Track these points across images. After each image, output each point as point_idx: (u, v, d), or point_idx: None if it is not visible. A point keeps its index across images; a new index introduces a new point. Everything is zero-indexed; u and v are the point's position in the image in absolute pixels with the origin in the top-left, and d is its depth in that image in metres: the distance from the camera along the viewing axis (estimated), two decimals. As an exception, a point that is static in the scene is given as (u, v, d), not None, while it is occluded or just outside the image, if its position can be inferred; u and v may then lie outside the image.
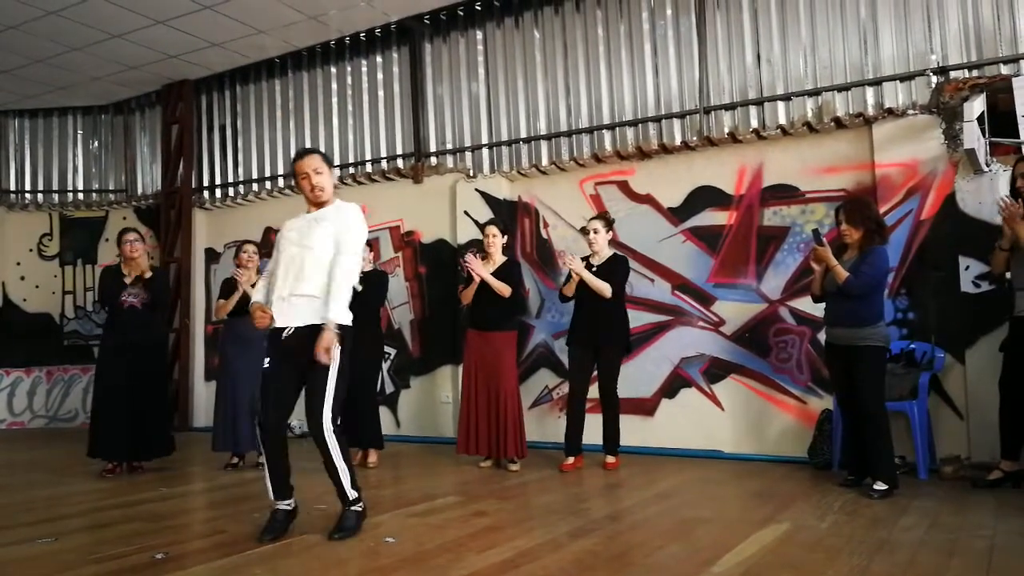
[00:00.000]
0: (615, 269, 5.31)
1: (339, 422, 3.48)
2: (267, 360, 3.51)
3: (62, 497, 4.68)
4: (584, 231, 5.52)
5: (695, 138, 5.94)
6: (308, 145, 8.06)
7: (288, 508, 3.55)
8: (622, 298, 5.39)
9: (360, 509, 3.58)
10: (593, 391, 5.38)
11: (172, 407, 8.12)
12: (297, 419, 7.43)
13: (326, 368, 3.40)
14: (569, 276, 5.34)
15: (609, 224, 5.46)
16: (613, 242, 5.51)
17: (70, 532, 3.78)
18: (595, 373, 5.37)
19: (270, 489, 3.52)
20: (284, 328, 3.46)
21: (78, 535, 3.75)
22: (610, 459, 5.29)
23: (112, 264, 5.75)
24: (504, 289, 5.27)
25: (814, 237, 4.40)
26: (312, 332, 3.37)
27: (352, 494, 3.53)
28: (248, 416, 5.52)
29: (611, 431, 5.32)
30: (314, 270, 3.47)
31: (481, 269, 5.29)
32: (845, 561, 2.95)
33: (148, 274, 5.45)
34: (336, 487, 3.54)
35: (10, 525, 3.91)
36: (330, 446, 3.44)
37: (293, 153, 8.15)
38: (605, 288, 5.19)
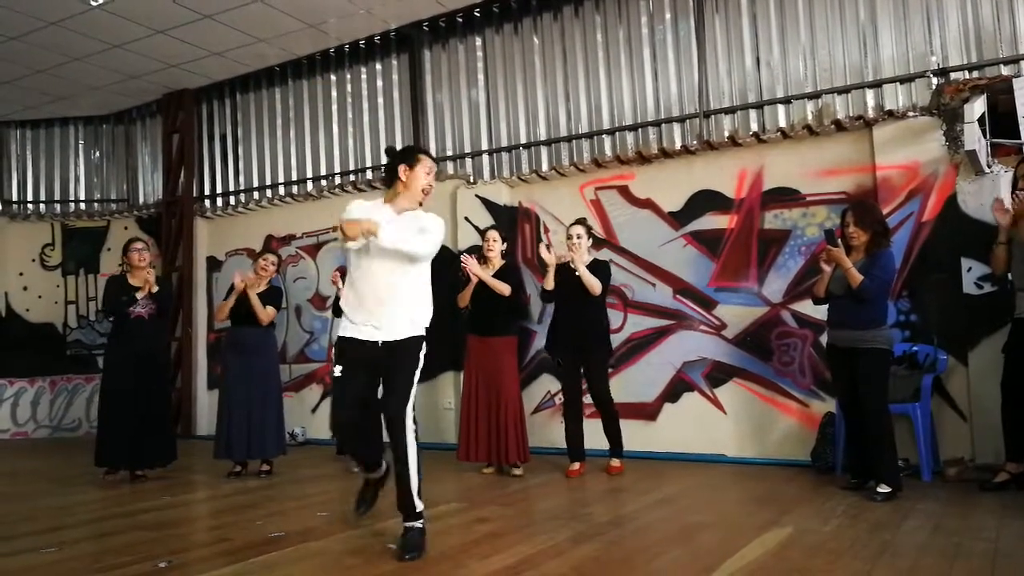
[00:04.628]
0: (598, 272, 5.22)
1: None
2: None
3: (65, 507, 4.68)
4: (567, 236, 5.38)
5: (695, 142, 5.94)
6: (308, 152, 8.08)
7: None
8: (604, 301, 5.37)
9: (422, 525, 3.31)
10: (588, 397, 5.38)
11: (176, 415, 8.14)
12: (300, 426, 7.55)
13: None
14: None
15: (590, 230, 5.42)
16: (615, 246, 5.48)
17: (74, 541, 3.78)
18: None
19: None
20: None
21: (82, 544, 3.75)
22: (614, 463, 5.27)
23: (117, 274, 5.77)
24: (503, 288, 5.25)
25: (827, 237, 4.32)
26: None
27: (419, 505, 3.31)
28: (246, 423, 5.53)
29: (613, 435, 5.31)
30: None
31: (478, 269, 5.28)
32: (848, 565, 2.95)
33: (155, 288, 5.47)
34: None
35: (13, 535, 3.91)
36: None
37: (295, 159, 8.21)
38: (596, 284, 5.14)
